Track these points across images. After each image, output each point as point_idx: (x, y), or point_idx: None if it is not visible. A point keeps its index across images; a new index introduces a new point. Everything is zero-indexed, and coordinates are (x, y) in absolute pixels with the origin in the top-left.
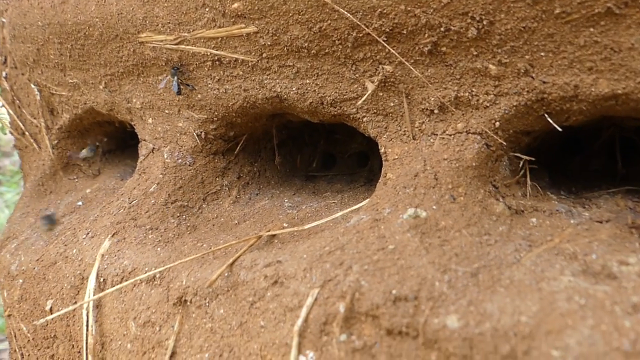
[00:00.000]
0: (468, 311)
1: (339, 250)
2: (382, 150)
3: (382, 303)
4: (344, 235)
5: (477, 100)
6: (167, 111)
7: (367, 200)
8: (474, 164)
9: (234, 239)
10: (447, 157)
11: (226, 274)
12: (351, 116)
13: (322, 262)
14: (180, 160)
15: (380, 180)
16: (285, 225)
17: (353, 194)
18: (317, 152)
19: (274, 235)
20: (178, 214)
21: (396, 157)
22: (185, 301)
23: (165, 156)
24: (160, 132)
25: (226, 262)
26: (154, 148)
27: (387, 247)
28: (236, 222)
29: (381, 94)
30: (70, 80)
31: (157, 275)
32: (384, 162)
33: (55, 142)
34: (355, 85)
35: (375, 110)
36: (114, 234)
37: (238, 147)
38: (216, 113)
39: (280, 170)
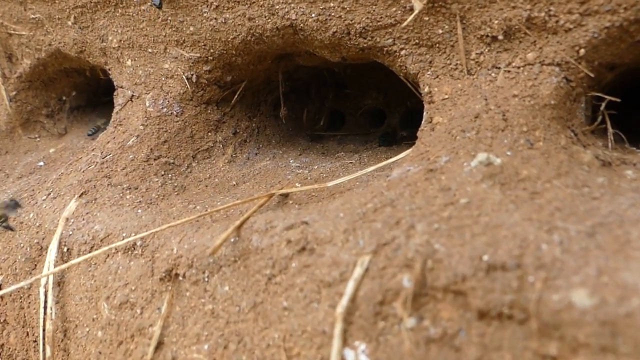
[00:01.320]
0: (601, 283)
1: (389, 207)
2: (425, 90)
3: (470, 273)
4: (390, 189)
5: (557, 21)
6: (150, 50)
7: (409, 150)
8: (551, 102)
9: (233, 198)
10: (517, 93)
11: (232, 240)
12: (385, 49)
13: (368, 221)
14: (165, 109)
15: (423, 127)
16: (297, 185)
17: (373, 154)
18: (325, 109)
19: (286, 196)
20: (162, 172)
21: (446, 96)
22: (177, 275)
23: (148, 104)
24: (142, 75)
25: (232, 225)
26: (133, 95)
27: (458, 202)
28: (234, 182)
29: (427, 18)
30: (32, 16)
31: (138, 243)
32: (427, 105)
33: (14, 93)
34: (394, 8)
35: (417, 41)
36: (82, 193)
37: (235, 97)
38: (212, 51)
39: (282, 127)
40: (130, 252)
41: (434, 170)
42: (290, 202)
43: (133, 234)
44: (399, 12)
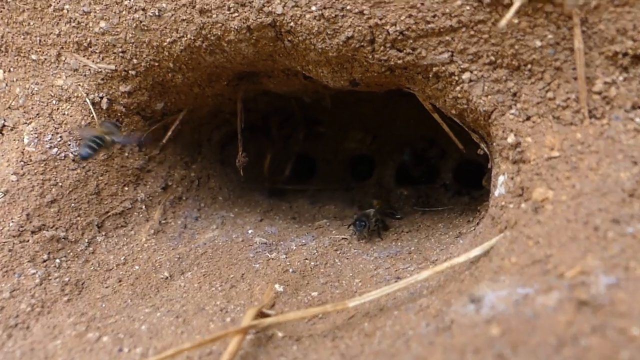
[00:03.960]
0: None
1: None
2: (506, 140)
3: None
4: (506, 337)
5: None
6: (34, 56)
7: (491, 241)
8: None
9: (170, 316)
10: None
11: None
12: (434, 71)
13: None
14: (55, 149)
15: (510, 203)
16: (277, 287)
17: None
18: (291, 154)
19: (266, 317)
20: (45, 257)
21: (555, 154)
22: None
23: (27, 141)
24: (20, 96)
25: None
26: (4, 126)
27: None
28: (166, 274)
29: (517, 21)
30: None
31: None
32: (509, 165)
33: None
34: (459, 1)
35: (493, 58)
36: None
37: (168, 133)
38: (135, 61)
39: (231, 177)
40: None
41: (589, 303)
42: (281, 335)
43: None
44: (468, 7)
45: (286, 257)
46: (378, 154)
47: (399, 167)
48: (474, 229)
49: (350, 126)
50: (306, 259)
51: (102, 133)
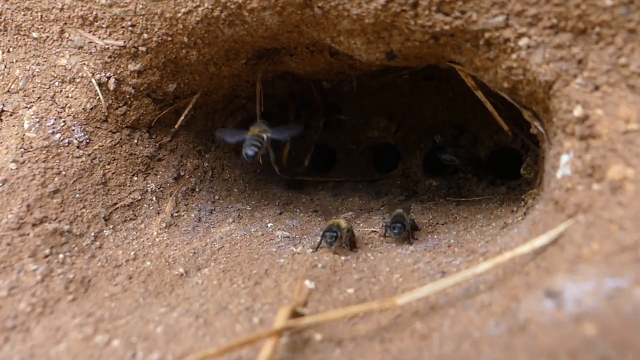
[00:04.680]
0: None
1: None
2: (574, 113)
3: None
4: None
5: None
6: (35, 33)
7: (558, 229)
8: None
9: (189, 317)
10: None
11: None
12: (486, 37)
13: None
14: (58, 135)
15: (578, 184)
16: (307, 283)
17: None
18: (311, 143)
19: (301, 317)
20: (47, 251)
21: (632, 126)
22: None
23: (27, 126)
24: (20, 78)
25: None
26: (2, 110)
27: None
28: (181, 270)
29: None
30: None
31: None
32: (575, 141)
33: None
34: None
35: (555, 20)
36: None
37: (181, 118)
38: (145, 36)
39: (247, 168)
40: None
41: None
42: (319, 338)
43: None
44: None
45: (312, 252)
46: (403, 142)
47: (427, 156)
48: (526, 217)
49: (373, 113)
50: (335, 253)
51: (259, 132)
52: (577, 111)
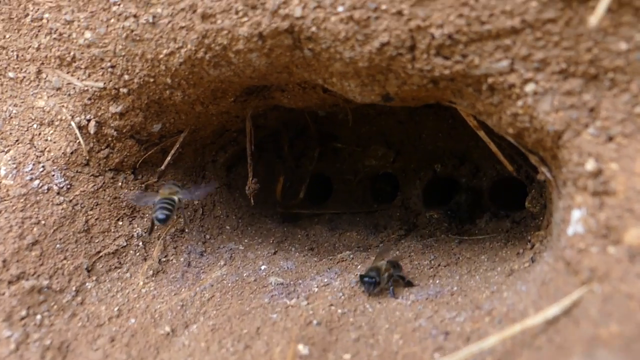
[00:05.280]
0: None
1: None
2: (586, 167)
3: None
4: None
5: None
6: (11, 73)
7: (571, 297)
8: None
9: None
10: None
11: None
12: (489, 81)
13: None
14: (37, 181)
15: (600, 246)
16: (301, 348)
17: (398, 253)
18: (306, 174)
19: None
20: (24, 313)
21: None
22: None
23: (3, 172)
24: None
25: None
26: None
27: None
28: (167, 329)
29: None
30: None
31: None
32: (587, 197)
33: None
34: None
35: (565, 65)
36: None
37: (168, 158)
38: (127, 77)
39: (239, 202)
40: None
41: None
42: None
43: None
44: (535, 3)
45: (308, 304)
46: (402, 172)
47: (427, 186)
48: (534, 267)
49: (370, 141)
50: (331, 304)
51: (169, 195)
52: (590, 165)
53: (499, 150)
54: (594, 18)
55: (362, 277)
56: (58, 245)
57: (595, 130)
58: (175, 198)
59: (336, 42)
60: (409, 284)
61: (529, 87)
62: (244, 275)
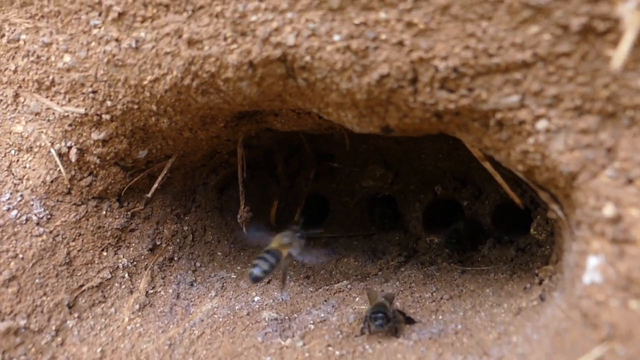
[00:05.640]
0: None
1: None
2: (604, 212)
3: None
4: None
5: None
6: None
7: None
8: None
9: None
10: None
11: None
12: (497, 117)
13: None
14: (15, 211)
15: (621, 300)
16: None
17: (398, 284)
18: (302, 195)
19: None
20: None
21: None
22: None
23: None
24: None
25: None
26: None
27: None
28: None
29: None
30: None
31: None
32: (602, 243)
33: None
34: (535, 28)
35: (580, 102)
36: None
37: (155, 185)
38: (109, 103)
39: (232, 226)
40: None
41: None
42: None
43: None
44: (548, 36)
45: (303, 345)
46: (401, 193)
47: (427, 209)
48: (542, 309)
49: (368, 161)
50: (329, 345)
51: (280, 247)
52: (608, 210)
53: (505, 182)
54: (617, 59)
55: (371, 317)
56: (37, 280)
57: (613, 172)
58: (284, 253)
59: (332, 73)
60: (410, 321)
61: (541, 124)
62: (236, 308)
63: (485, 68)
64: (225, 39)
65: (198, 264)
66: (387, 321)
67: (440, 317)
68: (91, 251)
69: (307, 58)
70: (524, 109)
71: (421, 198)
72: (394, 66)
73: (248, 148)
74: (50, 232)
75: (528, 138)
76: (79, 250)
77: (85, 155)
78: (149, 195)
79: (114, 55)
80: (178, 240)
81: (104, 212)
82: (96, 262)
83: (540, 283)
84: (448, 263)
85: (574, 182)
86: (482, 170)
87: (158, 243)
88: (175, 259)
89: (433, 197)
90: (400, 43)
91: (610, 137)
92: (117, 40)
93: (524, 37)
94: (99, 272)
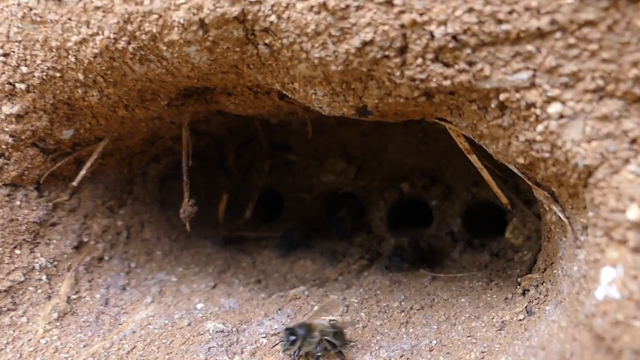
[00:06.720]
0: None
1: None
2: (628, 215)
3: None
4: None
5: None
6: None
7: None
8: None
9: None
10: None
11: None
12: (500, 98)
13: None
14: None
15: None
16: None
17: (362, 291)
18: (255, 190)
19: None
20: None
21: None
22: None
23: None
24: None
25: None
26: None
27: None
28: None
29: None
30: None
31: None
32: (621, 252)
33: None
34: None
35: (600, 85)
36: None
37: (82, 171)
38: (25, 69)
39: (174, 222)
40: None
41: None
42: None
43: None
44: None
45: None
46: (364, 190)
47: (390, 209)
48: (533, 325)
49: (328, 154)
50: None
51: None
52: (633, 212)
53: (493, 179)
54: None
55: (287, 329)
56: None
57: (638, 167)
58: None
59: (302, 38)
60: (340, 355)
61: (554, 108)
62: (176, 317)
63: (492, 37)
64: None
65: (132, 265)
66: (293, 344)
67: (411, 331)
68: (0, 248)
69: (272, 18)
70: (534, 89)
71: (386, 196)
72: (380, 31)
73: (195, 135)
74: None
75: (536, 125)
76: None
77: None
78: (75, 183)
79: (30, 9)
80: (110, 237)
81: (18, 203)
82: (6, 261)
83: (524, 293)
84: (416, 268)
85: (590, 179)
86: (452, 167)
87: (85, 240)
88: (106, 258)
89: (399, 196)
90: (389, 2)
91: (636, 125)
92: None
93: (540, 0)
94: (8, 273)
